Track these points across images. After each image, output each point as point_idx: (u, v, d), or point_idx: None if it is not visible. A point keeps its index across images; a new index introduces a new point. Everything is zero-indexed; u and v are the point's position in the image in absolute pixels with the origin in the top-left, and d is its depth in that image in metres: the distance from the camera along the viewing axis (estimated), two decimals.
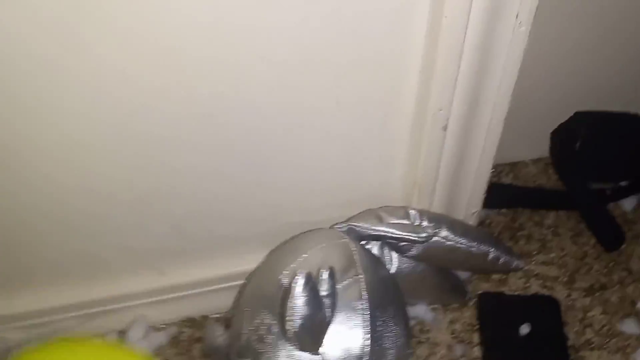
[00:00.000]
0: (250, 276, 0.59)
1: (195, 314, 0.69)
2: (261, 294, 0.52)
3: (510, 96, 0.53)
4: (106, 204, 0.56)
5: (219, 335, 0.61)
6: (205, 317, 0.69)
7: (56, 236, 0.57)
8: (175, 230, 0.60)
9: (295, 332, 0.43)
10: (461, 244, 0.57)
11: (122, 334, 0.66)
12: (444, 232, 0.57)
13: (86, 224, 0.57)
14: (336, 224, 0.58)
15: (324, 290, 0.44)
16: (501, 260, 0.60)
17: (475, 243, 0.58)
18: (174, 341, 0.67)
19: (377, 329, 0.48)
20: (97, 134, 0.49)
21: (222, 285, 0.67)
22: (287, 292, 0.43)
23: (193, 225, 0.61)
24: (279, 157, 0.56)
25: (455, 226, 0.58)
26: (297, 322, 0.42)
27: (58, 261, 0.59)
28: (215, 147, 0.53)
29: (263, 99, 0.49)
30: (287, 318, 0.42)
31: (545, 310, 0.64)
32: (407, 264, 0.60)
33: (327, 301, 0.45)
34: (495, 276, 0.71)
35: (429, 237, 0.54)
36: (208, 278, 0.66)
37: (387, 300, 0.51)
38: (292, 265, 0.51)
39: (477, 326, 0.66)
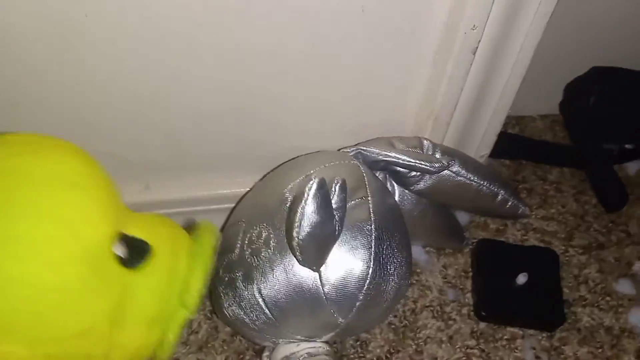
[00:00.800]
0: (249, 192, 0.55)
1: None
2: (261, 208, 0.48)
3: (546, 24, 0.50)
4: (99, 106, 0.51)
5: None
6: None
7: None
8: (169, 141, 0.56)
9: (301, 241, 0.39)
10: (472, 180, 0.54)
11: None
12: (456, 167, 0.54)
13: (77, 127, 0.52)
14: (344, 147, 0.54)
15: (334, 202, 0.41)
16: (509, 204, 0.57)
17: (486, 182, 0.55)
18: None
19: (383, 252, 0.45)
20: (95, 33, 0.44)
21: (209, 207, 0.63)
22: (297, 199, 0.39)
23: (188, 138, 0.56)
24: (289, 71, 0.51)
25: (468, 162, 0.55)
26: (306, 229, 0.39)
27: None
28: (220, 55, 0.48)
29: None
30: (296, 224, 0.38)
31: (544, 262, 0.62)
32: (409, 200, 0.57)
33: (337, 214, 0.41)
34: (493, 226, 0.68)
35: (442, 168, 0.51)
36: (195, 197, 0.62)
37: (393, 227, 0.48)
38: (298, 180, 0.48)
39: (471, 273, 0.64)
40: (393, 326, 0.59)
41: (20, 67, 0.46)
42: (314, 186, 0.38)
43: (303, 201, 0.38)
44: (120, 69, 0.47)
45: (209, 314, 0.59)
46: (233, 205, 0.62)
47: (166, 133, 0.55)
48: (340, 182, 0.41)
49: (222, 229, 0.62)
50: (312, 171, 0.48)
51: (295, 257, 0.42)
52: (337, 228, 0.41)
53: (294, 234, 0.39)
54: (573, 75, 0.75)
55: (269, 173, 0.55)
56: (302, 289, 0.44)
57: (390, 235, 0.46)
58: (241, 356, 0.56)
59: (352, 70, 0.52)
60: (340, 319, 0.45)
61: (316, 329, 0.47)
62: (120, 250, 0.33)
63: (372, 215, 0.46)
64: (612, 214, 0.70)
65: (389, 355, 0.57)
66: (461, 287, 0.63)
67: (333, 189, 0.41)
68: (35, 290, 0.29)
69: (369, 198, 0.47)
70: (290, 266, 0.44)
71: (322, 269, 0.44)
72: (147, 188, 0.61)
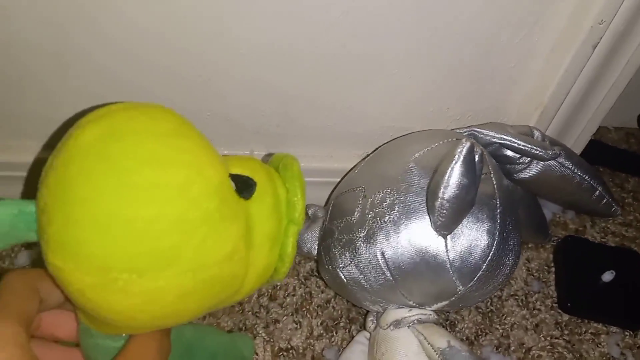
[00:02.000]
0: (360, 162, 0.56)
1: None
2: (382, 175, 0.50)
3: None
4: (219, 64, 0.52)
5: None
6: None
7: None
8: (281, 109, 0.57)
9: (445, 201, 0.41)
10: (576, 173, 0.56)
11: None
12: (562, 158, 0.55)
13: (195, 89, 0.54)
14: (457, 128, 0.55)
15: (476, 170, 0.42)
16: (603, 201, 0.59)
17: (588, 176, 0.56)
18: None
19: (506, 226, 0.46)
20: None
21: (306, 180, 0.64)
22: (445, 160, 0.41)
23: (299, 108, 0.58)
24: (403, 47, 0.52)
25: (573, 155, 0.57)
26: (453, 190, 0.40)
27: None
28: (330, 23, 0.49)
29: None
30: (443, 184, 0.40)
31: (628, 262, 0.63)
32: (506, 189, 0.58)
33: (477, 182, 0.42)
34: (572, 226, 0.70)
35: (555, 156, 0.52)
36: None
37: (512, 205, 0.49)
38: (423, 151, 0.49)
39: (554, 268, 0.65)
40: (480, 310, 0.60)
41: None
42: (465, 149, 0.40)
43: (453, 162, 0.40)
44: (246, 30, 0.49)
45: (303, 280, 0.60)
46: (328, 179, 0.64)
47: (280, 101, 0.57)
48: (480, 151, 0.42)
49: (327, 201, 0.64)
50: (435, 144, 0.50)
51: (432, 218, 0.43)
52: (475, 196, 0.43)
53: (440, 194, 0.41)
54: None
55: (381, 146, 0.57)
56: (427, 254, 0.45)
57: (511, 212, 0.48)
58: (336, 322, 0.57)
59: (464, 55, 0.54)
60: (460, 287, 0.46)
61: (432, 296, 0.48)
62: (233, 186, 0.37)
63: (496, 190, 0.47)
64: None
65: (477, 337, 0.58)
66: (544, 280, 0.64)
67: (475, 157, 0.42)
68: (187, 226, 0.32)
69: (492, 175, 0.49)
70: (417, 230, 0.45)
71: (448, 236, 0.45)
72: (251, 154, 0.62)
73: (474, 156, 0.41)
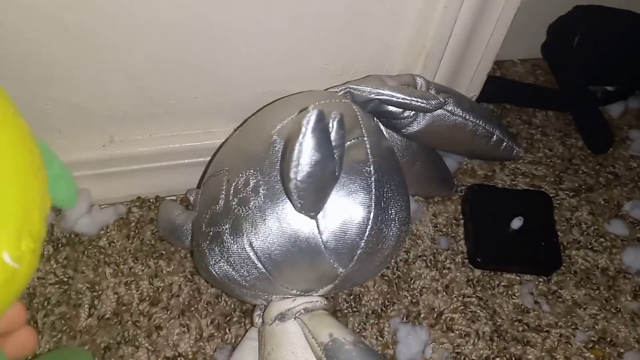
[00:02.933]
0: (228, 139, 0.50)
1: (146, 193, 0.60)
2: (245, 154, 0.43)
3: None
4: (57, 45, 0.44)
5: (177, 215, 0.53)
6: (157, 199, 0.60)
7: None
8: (134, 86, 0.50)
9: (299, 182, 0.35)
10: (468, 120, 0.51)
11: (58, 210, 0.56)
12: (451, 106, 0.50)
13: (30, 71, 0.46)
14: (332, 87, 0.49)
15: (333, 140, 0.36)
16: (503, 145, 0.54)
17: (482, 122, 0.52)
18: (122, 222, 0.57)
19: (383, 195, 0.41)
20: None
21: (180, 162, 0.58)
22: (293, 135, 0.34)
23: (156, 83, 0.50)
24: (263, 4, 0.45)
25: (463, 100, 0.51)
26: (305, 169, 0.34)
27: None
28: None
29: None
30: (293, 163, 0.34)
31: (537, 205, 0.60)
32: (398, 146, 0.53)
33: (336, 153, 0.36)
34: (481, 172, 0.66)
35: (439, 106, 0.47)
36: (165, 150, 0.56)
37: (392, 168, 0.44)
38: (286, 121, 0.43)
39: (462, 221, 0.61)
40: (386, 278, 0.56)
41: None
42: (312, 119, 0.33)
43: (301, 136, 0.34)
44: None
45: (189, 276, 0.54)
46: (206, 159, 0.57)
47: (130, 77, 0.49)
48: (338, 117, 0.36)
49: (200, 184, 0.57)
50: (300, 111, 0.43)
51: (291, 202, 0.38)
52: (337, 168, 0.37)
53: (292, 175, 0.35)
54: (553, 17, 0.73)
55: (249, 117, 0.50)
56: (298, 239, 0.40)
57: (390, 177, 0.43)
58: (228, 318, 0.52)
59: (333, 3, 0.47)
60: (341, 269, 0.41)
61: (313, 282, 0.43)
62: None
63: (370, 156, 0.42)
64: (599, 156, 0.68)
65: (384, 308, 0.54)
66: (453, 235, 0.60)
67: (330, 125, 0.36)
68: None
69: (365, 138, 0.43)
70: (284, 214, 0.40)
71: (319, 215, 0.40)
72: (111, 141, 0.55)
73: (326, 124, 0.35)
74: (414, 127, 0.50)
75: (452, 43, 0.52)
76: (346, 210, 0.40)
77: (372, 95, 0.47)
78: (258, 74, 0.52)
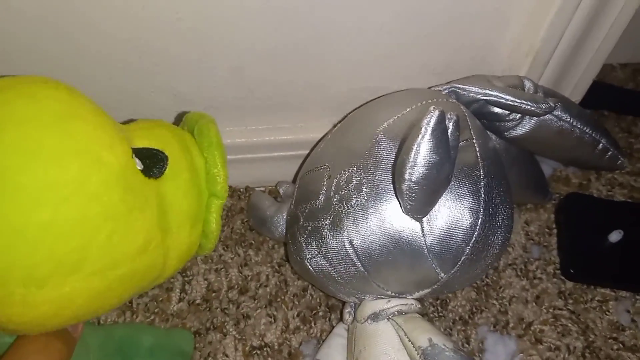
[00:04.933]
0: (327, 134, 0.49)
1: (237, 183, 0.61)
2: (348, 151, 0.43)
3: None
4: (166, 36, 0.45)
5: (268, 206, 0.53)
6: (247, 189, 0.60)
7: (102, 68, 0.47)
8: (235, 76, 0.50)
9: (414, 184, 0.34)
10: (575, 127, 0.48)
11: None
12: (559, 111, 0.48)
13: (137, 59, 0.47)
14: (436, 85, 0.48)
15: (450, 142, 0.35)
16: (608, 154, 0.52)
17: (589, 129, 0.49)
18: None
19: (492, 201, 0.40)
20: None
21: (272, 154, 0.58)
22: (412, 135, 0.34)
23: (256, 76, 0.50)
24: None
25: (571, 106, 0.49)
26: (421, 170, 0.33)
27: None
28: None
29: None
30: (409, 164, 0.33)
31: (638, 218, 0.57)
32: (498, 149, 0.51)
33: (452, 155, 0.35)
34: (575, 180, 0.63)
35: (548, 110, 0.45)
36: (259, 143, 0.57)
37: (500, 172, 0.42)
38: (392, 119, 0.42)
39: (555, 230, 0.59)
40: (475, 285, 0.54)
41: None
42: (434, 120, 0.33)
43: (420, 137, 0.33)
44: None
45: (276, 267, 0.54)
46: (297, 152, 0.57)
47: (234, 68, 0.49)
48: (454, 118, 0.35)
49: (295, 177, 0.58)
50: (407, 110, 0.43)
51: (401, 202, 0.37)
52: (451, 171, 0.36)
53: (406, 175, 0.34)
54: None
55: (350, 113, 0.50)
56: (401, 240, 0.39)
57: (498, 182, 0.41)
58: (314, 312, 0.52)
59: None
60: (442, 274, 0.40)
61: (411, 285, 0.42)
62: (140, 164, 0.34)
63: (479, 159, 0.41)
64: None
65: (471, 315, 0.53)
66: (545, 244, 0.58)
67: (448, 125, 0.35)
68: (89, 225, 0.29)
69: (474, 140, 0.42)
70: (388, 214, 0.39)
71: (424, 218, 0.39)
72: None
73: (445, 126, 0.34)
74: (518, 131, 0.48)
75: (561, 45, 0.49)
76: (453, 214, 0.39)
77: (479, 96, 0.46)
78: (356, 69, 0.51)
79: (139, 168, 0.33)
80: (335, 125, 0.50)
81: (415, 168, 0.33)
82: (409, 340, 0.40)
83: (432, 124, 0.33)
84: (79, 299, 0.30)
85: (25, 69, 0.46)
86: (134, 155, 0.33)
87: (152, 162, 0.34)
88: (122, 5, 0.42)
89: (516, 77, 0.48)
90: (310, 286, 0.53)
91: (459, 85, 0.46)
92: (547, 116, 0.47)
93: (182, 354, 0.47)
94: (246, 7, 0.43)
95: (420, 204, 0.36)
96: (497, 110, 0.47)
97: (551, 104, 0.45)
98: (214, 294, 0.52)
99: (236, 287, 0.53)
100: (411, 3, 0.45)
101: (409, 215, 0.38)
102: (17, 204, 0.27)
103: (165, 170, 0.34)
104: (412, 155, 0.33)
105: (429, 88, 0.48)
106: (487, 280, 0.55)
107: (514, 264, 0.56)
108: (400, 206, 0.38)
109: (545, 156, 0.57)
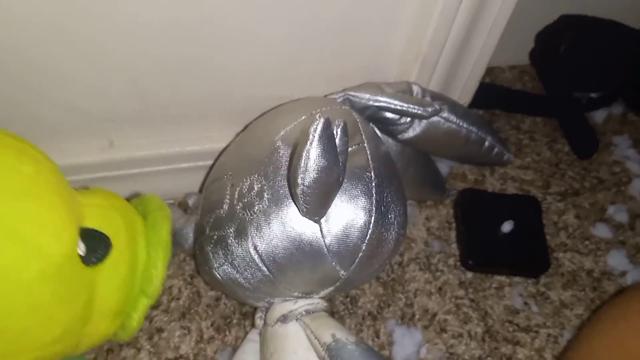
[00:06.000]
0: (230, 144, 0.51)
1: None
2: (249, 159, 0.45)
3: None
4: (56, 48, 0.44)
5: (177, 219, 0.53)
6: None
7: None
8: (132, 88, 0.50)
9: (306, 188, 0.36)
10: (461, 126, 0.52)
11: None
12: (446, 113, 0.51)
13: (28, 73, 0.46)
14: (331, 93, 0.51)
15: (337, 147, 0.37)
16: (495, 151, 0.56)
17: (475, 128, 0.53)
18: None
19: (383, 200, 0.43)
20: None
21: (178, 166, 0.59)
22: (300, 142, 0.36)
23: (155, 86, 0.51)
24: (261, 10, 0.46)
25: (457, 107, 0.53)
26: (312, 175, 0.35)
27: None
28: None
29: None
30: (301, 169, 0.35)
31: (526, 209, 0.62)
32: (393, 151, 0.54)
33: (340, 159, 0.38)
34: (471, 176, 0.68)
35: (435, 113, 0.48)
36: (164, 155, 0.57)
37: (391, 173, 0.45)
38: (290, 127, 0.44)
39: (454, 224, 0.63)
40: (381, 280, 0.57)
41: None
42: (320, 127, 0.35)
43: (308, 143, 0.35)
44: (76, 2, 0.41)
45: (189, 279, 0.55)
46: (204, 163, 0.58)
47: (130, 79, 0.49)
48: (342, 124, 0.38)
49: (202, 187, 0.58)
50: (303, 117, 0.45)
51: (298, 206, 0.39)
52: (341, 174, 0.38)
53: (299, 180, 0.36)
54: (541, 25, 0.75)
55: (250, 123, 0.51)
56: (302, 242, 0.41)
57: (389, 182, 0.44)
58: (228, 320, 0.53)
59: (330, 8, 0.48)
60: (342, 272, 0.42)
61: (315, 284, 0.44)
62: (82, 249, 0.33)
63: (370, 161, 0.43)
64: (584, 161, 0.71)
65: (379, 310, 0.55)
66: (445, 238, 0.61)
67: (335, 132, 0.38)
68: (9, 310, 0.29)
69: (365, 144, 0.44)
70: (289, 218, 0.41)
71: (322, 220, 0.41)
72: (111, 146, 0.55)
73: (332, 132, 0.36)
74: (410, 134, 0.52)
75: (447, 49, 0.53)
76: (348, 214, 0.41)
77: (370, 102, 0.48)
78: (256, 78, 0.53)
79: (80, 253, 0.32)
80: (237, 135, 0.51)
81: (307, 173, 0.35)
82: (315, 338, 0.42)
83: (318, 130, 0.35)
84: None
85: None
86: (79, 237, 0.33)
87: (96, 246, 0.33)
88: (6, 14, 0.41)
89: (405, 82, 0.51)
90: (223, 295, 0.54)
91: (352, 93, 0.49)
92: (435, 118, 0.51)
93: None
94: (141, 19, 0.44)
95: (315, 206, 0.38)
96: (388, 115, 0.50)
97: (437, 107, 0.49)
98: None
99: None
100: (303, 13, 0.47)
101: (306, 217, 0.40)
102: None
103: (104, 259, 0.34)
104: (303, 161, 0.35)
105: (325, 96, 0.51)
106: (393, 275, 0.58)
107: (417, 258, 0.59)
108: (298, 210, 0.39)
109: (438, 156, 0.61)
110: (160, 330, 0.51)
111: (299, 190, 0.36)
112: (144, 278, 0.37)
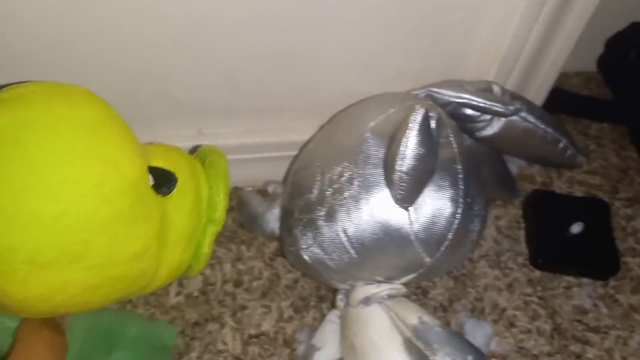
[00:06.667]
0: (315, 135, 0.53)
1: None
2: (338, 149, 0.47)
3: None
4: (156, 44, 0.48)
5: (259, 204, 0.56)
6: (237, 189, 0.64)
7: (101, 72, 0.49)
8: (227, 81, 0.54)
9: (403, 174, 0.38)
10: (539, 127, 0.54)
11: None
12: (524, 112, 0.53)
13: (137, 65, 0.50)
14: (413, 89, 0.53)
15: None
16: (568, 152, 0.57)
17: (551, 129, 0.55)
18: None
19: (469, 191, 0.45)
20: None
21: (260, 155, 0.62)
22: (400, 130, 0.38)
23: (247, 79, 0.54)
24: (349, 9, 0.49)
25: (534, 108, 0.55)
26: (410, 162, 0.38)
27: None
28: None
29: None
30: (399, 156, 0.37)
31: (595, 212, 0.63)
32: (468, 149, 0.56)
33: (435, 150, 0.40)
34: (539, 179, 0.69)
35: (516, 111, 0.50)
36: (247, 144, 0.60)
37: (474, 167, 0.47)
38: (378, 119, 0.47)
39: (523, 224, 0.64)
40: (452, 275, 0.59)
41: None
42: (420, 117, 0.37)
43: (408, 132, 0.37)
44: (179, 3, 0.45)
45: (268, 261, 0.58)
46: (284, 153, 0.61)
47: (225, 74, 0.53)
48: (436, 116, 0.40)
49: (286, 177, 0.61)
50: (391, 110, 0.47)
51: (392, 192, 0.41)
52: (435, 164, 0.40)
53: (397, 167, 0.38)
54: (610, 32, 0.75)
55: (335, 116, 0.54)
56: (390, 228, 0.43)
57: (474, 175, 0.46)
58: (306, 302, 0.55)
59: (415, 10, 0.50)
60: (427, 259, 0.44)
61: (399, 270, 0.46)
62: (152, 180, 0.37)
63: (457, 154, 0.45)
64: None
65: (450, 302, 0.57)
66: (515, 237, 0.63)
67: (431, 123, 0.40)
68: (96, 223, 0.32)
69: (452, 138, 0.46)
70: (378, 205, 0.43)
71: (410, 208, 0.43)
72: (200, 133, 0.59)
73: (430, 122, 0.38)
74: (488, 131, 0.53)
75: (526, 51, 0.55)
76: (436, 204, 0.43)
77: (453, 99, 0.50)
78: (342, 75, 0.55)
79: (151, 183, 0.37)
80: (322, 127, 0.54)
81: (405, 159, 0.38)
82: (400, 320, 0.44)
83: (418, 120, 0.37)
84: (72, 289, 0.33)
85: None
86: (148, 171, 0.37)
87: (163, 181, 0.38)
88: (127, 9, 0.45)
89: (485, 81, 0.53)
90: (301, 278, 0.57)
91: (435, 89, 0.51)
92: (514, 117, 0.52)
93: (164, 347, 0.49)
94: (239, 14, 0.47)
95: (409, 193, 0.41)
96: (469, 112, 0.51)
97: (518, 106, 0.50)
98: (210, 287, 0.55)
99: (230, 280, 0.56)
100: (391, 14, 0.50)
101: (398, 204, 0.42)
102: (40, 193, 0.30)
103: (173, 190, 0.38)
104: (402, 148, 0.37)
105: (407, 92, 0.53)
106: (463, 270, 0.59)
107: (487, 255, 0.61)
108: (391, 196, 0.42)
109: (512, 154, 0.62)
110: (243, 307, 0.54)
111: (396, 176, 0.39)
112: (209, 207, 0.41)
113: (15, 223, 0.29)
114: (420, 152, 0.38)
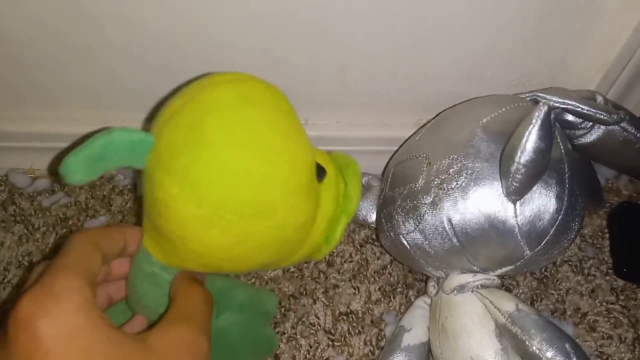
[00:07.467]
0: (419, 130, 0.56)
1: None
2: (447, 141, 0.49)
3: None
4: (285, 41, 0.52)
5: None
6: None
7: None
8: (339, 75, 0.57)
9: (521, 166, 0.40)
10: (638, 138, 0.55)
11: None
12: (625, 123, 0.54)
13: (257, 58, 0.54)
14: (520, 93, 0.55)
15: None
16: None
17: None
18: None
19: (573, 191, 0.46)
20: None
21: (358, 148, 0.64)
22: (523, 124, 0.40)
23: (358, 74, 0.57)
24: (457, 10, 0.51)
25: (635, 119, 0.56)
26: (529, 155, 0.40)
27: None
28: None
29: None
30: (520, 148, 0.40)
31: None
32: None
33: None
34: (625, 192, 0.69)
35: (619, 120, 0.51)
36: (347, 137, 0.64)
37: (577, 169, 0.49)
38: (491, 116, 0.49)
39: (607, 234, 0.65)
40: (535, 276, 0.60)
41: None
42: (543, 112, 0.39)
43: (531, 126, 0.39)
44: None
45: (358, 247, 0.61)
46: (381, 147, 0.63)
47: (340, 68, 0.56)
48: (553, 116, 0.42)
49: (384, 169, 0.64)
50: (504, 109, 0.49)
51: (505, 183, 0.43)
52: (549, 161, 0.42)
53: (516, 158, 0.40)
54: None
55: (443, 111, 0.56)
56: (496, 220, 0.45)
57: (577, 177, 0.48)
58: (393, 287, 0.58)
59: (527, 18, 0.52)
60: (528, 251, 0.46)
61: (498, 261, 0.48)
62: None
63: (563, 154, 0.47)
64: None
65: (532, 302, 0.58)
66: (599, 246, 0.64)
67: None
68: (287, 189, 0.37)
69: (559, 139, 0.48)
70: (486, 197, 0.45)
71: (517, 201, 0.45)
72: (305, 124, 0.62)
73: (551, 120, 0.40)
74: (587, 139, 0.55)
75: (631, 65, 0.56)
76: (542, 199, 0.45)
77: (559, 104, 0.52)
78: (445, 75, 0.58)
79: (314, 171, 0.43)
80: (428, 122, 0.57)
81: (525, 152, 0.40)
82: (495, 307, 0.46)
83: (542, 115, 0.39)
84: (251, 242, 0.37)
85: None
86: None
87: (320, 172, 0.43)
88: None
89: (589, 91, 0.55)
90: (389, 265, 0.59)
91: (541, 94, 0.53)
92: (614, 126, 0.54)
93: (266, 314, 0.53)
94: (355, 9, 0.50)
95: (522, 186, 0.43)
96: (570, 118, 0.53)
97: (621, 115, 0.52)
98: (305, 264, 0.58)
99: (323, 261, 0.59)
100: (501, 18, 0.52)
101: (508, 196, 0.44)
102: (256, 155, 0.35)
103: (324, 180, 0.44)
104: (524, 141, 0.40)
105: (515, 95, 0.55)
106: (546, 273, 0.61)
107: (569, 260, 0.62)
108: (502, 187, 0.44)
109: (606, 163, 0.63)
110: (335, 286, 0.57)
111: (513, 168, 0.41)
112: (345, 199, 0.46)
113: (234, 176, 0.34)
114: (540, 147, 0.40)
